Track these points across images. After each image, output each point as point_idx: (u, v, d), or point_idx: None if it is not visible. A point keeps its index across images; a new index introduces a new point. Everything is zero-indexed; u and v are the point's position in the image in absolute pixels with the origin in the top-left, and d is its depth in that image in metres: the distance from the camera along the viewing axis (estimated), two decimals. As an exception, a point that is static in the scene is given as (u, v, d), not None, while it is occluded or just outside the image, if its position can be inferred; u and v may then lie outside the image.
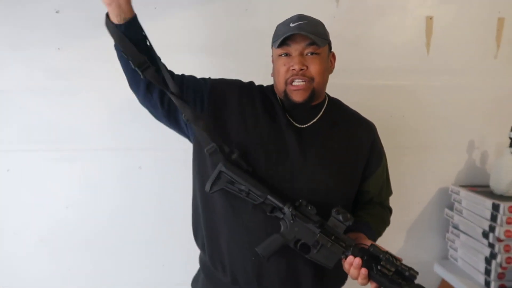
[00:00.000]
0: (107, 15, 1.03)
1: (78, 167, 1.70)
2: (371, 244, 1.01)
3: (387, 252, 0.99)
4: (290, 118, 1.14)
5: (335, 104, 1.24)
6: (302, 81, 1.08)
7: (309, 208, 1.04)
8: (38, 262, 1.77)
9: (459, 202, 1.85)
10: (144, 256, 1.82)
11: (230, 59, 1.69)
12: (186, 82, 1.15)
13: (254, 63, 1.73)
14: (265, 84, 1.25)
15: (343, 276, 1.21)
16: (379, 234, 1.19)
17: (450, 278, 1.84)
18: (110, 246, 1.78)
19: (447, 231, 1.95)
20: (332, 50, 1.20)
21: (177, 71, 1.66)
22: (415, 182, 1.93)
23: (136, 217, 1.77)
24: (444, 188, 1.96)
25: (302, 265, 1.10)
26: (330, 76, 1.74)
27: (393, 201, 1.91)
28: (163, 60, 1.14)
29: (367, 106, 1.81)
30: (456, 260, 1.89)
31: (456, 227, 1.89)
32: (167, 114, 1.13)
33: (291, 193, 1.08)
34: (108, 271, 1.81)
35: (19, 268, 1.77)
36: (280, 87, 1.12)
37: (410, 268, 0.98)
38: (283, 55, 1.10)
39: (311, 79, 1.09)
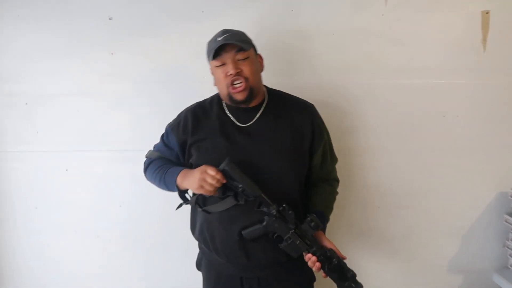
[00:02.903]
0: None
1: (130, 167, 1.76)
2: (330, 249, 1.29)
3: (339, 258, 1.28)
4: (235, 120, 1.34)
5: (276, 98, 1.40)
6: (240, 82, 1.26)
7: (290, 212, 1.25)
8: (95, 258, 1.86)
9: (521, 208, 1.73)
10: (193, 253, 1.85)
11: (276, 60, 1.69)
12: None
13: (299, 64, 1.72)
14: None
15: None
16: (331, 209, 1.43)
17: (510, 289, 1.73)
18: (160, 244, 1.84)
19: (507, 239, 1.83)
20: (258, 53, 1.37)
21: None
22: (471, 186, 1.83)
23: (184, 216, 1.81)
24: (503, 192, 1.83)
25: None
26: (377, 76, 1.73)
27: (446, 206, 1.83)
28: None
29: (418, 107, 1.76)
30: (517, 270, 1.77)
31: (517, 234, 1.77)
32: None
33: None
34: (158, 268, 1.87)
35: (77, 263, 1.86)
36: (223, 92, 1.31)
37: (352, 270, 1.28)
38: (219, 66, 1.28)
39: (246, 79, 1.27)
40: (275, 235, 1.27)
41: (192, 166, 1.33)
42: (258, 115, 1.34)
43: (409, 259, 1.87)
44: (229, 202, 1.27)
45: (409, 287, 1.89)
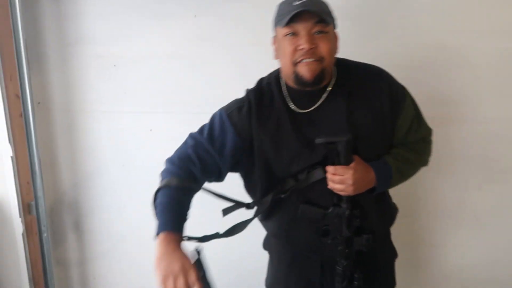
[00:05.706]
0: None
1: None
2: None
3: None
4: (294, 106, 1.13)
5: (343, 71, 1.15)
6: (312, 60, 1.03)
7: (357, 220, 1.11)
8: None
9: None
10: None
11: (358, 22, 1.61)
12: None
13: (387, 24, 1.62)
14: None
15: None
16: (398, 169, 1.14)
17: None
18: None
19: None
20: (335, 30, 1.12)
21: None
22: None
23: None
24: None
25: None
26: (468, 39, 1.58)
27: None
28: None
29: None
30: None
31: None
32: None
33: None
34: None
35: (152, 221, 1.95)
36: (287, 70, 1.09)
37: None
38: (289, 35, 1.05)
39: (321, 59, 1.04)
40: (325, 226, 1.14)
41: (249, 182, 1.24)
42: (324, 97, 1.11)
43: (495, 236, 1.77)
44: (318, 174, 1.10)
45: (493, 265, 1.81)
